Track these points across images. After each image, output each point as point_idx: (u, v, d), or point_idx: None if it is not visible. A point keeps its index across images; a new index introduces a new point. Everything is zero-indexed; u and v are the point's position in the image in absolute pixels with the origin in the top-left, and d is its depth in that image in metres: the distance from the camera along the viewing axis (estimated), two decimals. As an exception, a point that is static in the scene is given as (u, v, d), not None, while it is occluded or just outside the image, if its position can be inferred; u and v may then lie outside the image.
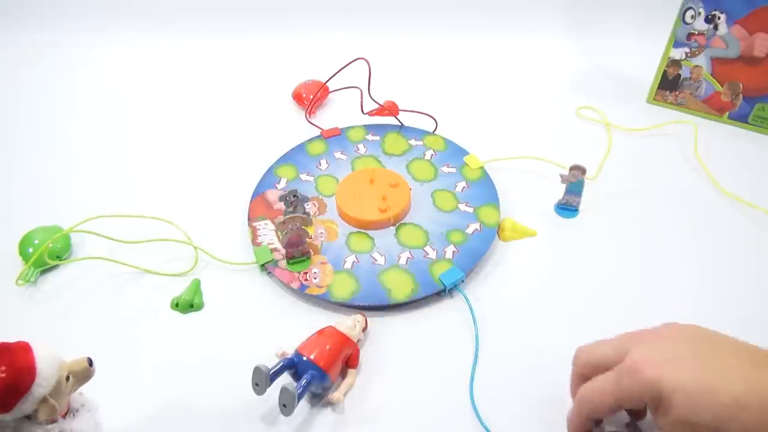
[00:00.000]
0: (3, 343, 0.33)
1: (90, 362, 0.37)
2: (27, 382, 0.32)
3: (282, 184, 0.63)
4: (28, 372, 0.33)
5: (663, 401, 0.31)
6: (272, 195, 0.61)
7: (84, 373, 0.36)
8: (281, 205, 0.57)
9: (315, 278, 0.52)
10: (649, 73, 0.75)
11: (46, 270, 0.55)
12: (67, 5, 0.95)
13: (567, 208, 0.60)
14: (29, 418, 0.34)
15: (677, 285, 0.52)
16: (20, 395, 0.32)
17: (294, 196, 0.52)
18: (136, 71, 0.87)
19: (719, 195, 0.61)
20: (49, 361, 0.34)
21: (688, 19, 0.68)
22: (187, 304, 0.52)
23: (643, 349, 0.33)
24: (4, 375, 0.32)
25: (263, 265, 0.54)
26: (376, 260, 0.54)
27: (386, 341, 0.49)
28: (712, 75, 0.70)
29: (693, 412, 0.30)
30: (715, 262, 0.54)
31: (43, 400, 0.33)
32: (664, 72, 0.73)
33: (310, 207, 0.59)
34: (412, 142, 0.69)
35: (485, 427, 0.42)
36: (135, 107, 0.80)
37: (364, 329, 0.48)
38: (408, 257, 0.54)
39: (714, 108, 0.72)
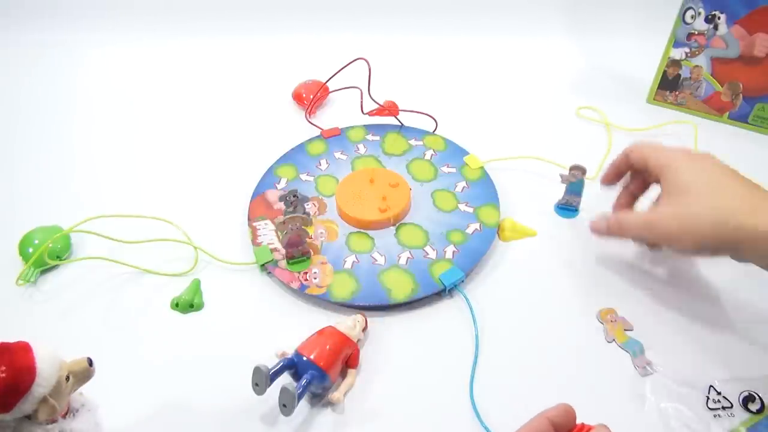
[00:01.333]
0: (3, 343, 0.33)
1: (90, 362, 0.37)
2: (27, 382, 0.32)
3: (282, 184, 0.63)
4: (28, 372, 0.33)
5: (665, 165, 0.41)
6: (272, 195, 0.61)
7: (84, 373, 0.36)
8: (281, 205, 0.57)
9: (315, 278, 0.52)
10: (649, 73, 0.74)
11: (46, 270, 0.55)
12: (67, 5, 0.95)
13: (567, 208, 0.60)
14: (29, 418, 0.34)
15: (677, 282, 0.52)
16: (20, 395, 0.32)
17: (294, 196, 0.52)
18: (137, 71, 0.87)
19: (719, 195, 0.61)
20: (49, 361, 0.34)
21: (688, 19, 0.68)
22: (187, 304, 0.52)
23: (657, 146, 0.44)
24: (4, 375, 0.32)
25: (263, 265, 0.54)
26: (376, 260, 0.54)
27: (386, 341, 0.49)
28: (712, 75, 0.70)
29: (683, 173, 0.40)
30: (714, 260, 0.54)
31: (43, 400, 0.33)
32: (664, 72, 0.73)
33: (310, 207, 0.59)
34: (412, 142, 0.69)
35: (485, 427, 0.42)
36: (135, 107, 0.80)
37: (364, 329, 0.48)
38: (408, 257, 0.54)
39: (714, 108, 0.72)
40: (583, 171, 0.56)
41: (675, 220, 0.40)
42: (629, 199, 0.52)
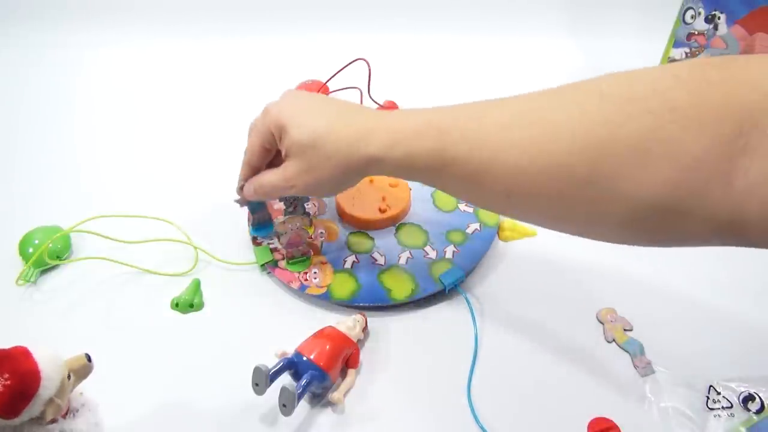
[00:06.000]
0: (1, 351, 0.33)
1: (88, 358, 0.37)
2: (33, 387, 0.33)
3: (282, 184, 0.63)
4: (33, 376, 0.33)
5: (282, 129, 0.42)
6: (272, 195, 0.61)
7: (83, 369, 0.37)
8: (281, 205, 0.57)
9: (315, 278, 0.52)
10: (649, 73, 0.74)
11: (46, 270, 0.55)
12: (67, 5, 0.95)
13: None
14: (32, 418, 0.34)
15: (677, 282, 0.52)
16: (28, 400, 0.32)
17: (294, 196, 0.52)
18: (136, 71, 0.87)
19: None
20: (52, 363, 0.34)
21: (688, 19, 0.68)
22: (187, 304, 0.52)
23: (271, 103, 0.45)
24: (9, 382, 0.32)
25: (263, 265, 0.54)
26: (376, 260, 0.54)
27: (386, 341, 0.49)
28: (712, 75, 0.70)
29: (300, 134, 0.40)
30: (715, 258, 0.54)
31: (50, 401, 0.33)
32: (664, 72, 0.73)
33: (310, 207, 0.59)
34: (412, 142, 0.68)
35: (482, 427, 0.42)
36: (135, 107, 0.80)
37: (364, 329, 0.48)
38: (408, 257, 0.54)
39: (714, 108, 0.72)
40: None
41: (307, 174, 0.42)
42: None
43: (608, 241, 0.35)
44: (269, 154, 0.47)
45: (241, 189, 0.49)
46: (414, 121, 0.39)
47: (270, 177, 0.45)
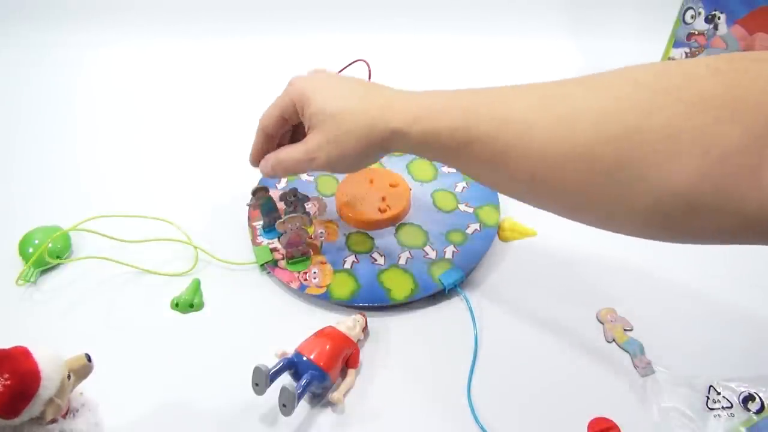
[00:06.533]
0: (1, 351, 0.33)
1: (88, 358, 0.37)
2: (33, 387, 0.33)
3: (282, 184, 0.63)
4: (33, 376, 0.33)
5: (306, 100, 0.42)
6: (273, 195, 0.61)
7: (83, 369, 0.37)
8: (282, 205, 0.57)
9: (315, 278, 0.52)
10: (649, 73, 0.74)
11: (46, 270, 0.55)
12: (67, 5, 0.95)
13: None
14: (32, 418, 0.34)
15: (677, 282, 0.52)
16: (28, 400, 0.32)
17: (294, 196, 0.52)
18: (136, 71, 0.87)
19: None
20: (52, 363, 0.34)
21: (688, 19, 0.68)
22: (187, 304, 0.52)
23: (297, 76, 0.46)
24: (9, 382, 0.32)
25: (263, 265, 0.54)
26: (376, 260, 0.54)
27: (386, 341, 0.49)
28: (712, 75, 0.70)
29: (324, 104, 0.41)
30: (715, 258, 0.54)
31: (50, 401, 0.33)
32: (664, 72, 0.73)
33: (310, 207, 0.59)
34: (412, 142, 0.68)
35: (482, 427, 0.42)
36: (135, 107, 0.80)
37: (364, 329, 0.48)
38: (408, 257, 0.54)
39: (714, 108, 0.72)
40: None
41: (329, 145, 0.41)
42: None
43: (630, 233, 0.34)
44: (286, 124, 0.46)
45: (255, 162, 0.49)
46: (440, 99, 0.38)
47: (290, 151, 0.44)
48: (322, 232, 0.57)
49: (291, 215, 0.52)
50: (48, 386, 0.33)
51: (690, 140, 0.29)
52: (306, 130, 0.44)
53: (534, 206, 0.38)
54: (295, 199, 0.52)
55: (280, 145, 0.47)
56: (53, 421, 0.35)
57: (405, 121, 0.38)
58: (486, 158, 0.36)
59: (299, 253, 0.54)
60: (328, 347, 0.44)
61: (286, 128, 0.47)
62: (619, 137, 0.31)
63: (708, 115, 0.28)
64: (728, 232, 0.31)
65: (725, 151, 0.28)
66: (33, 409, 0.33)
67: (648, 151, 0.30)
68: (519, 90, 0.36)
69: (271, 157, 0.46)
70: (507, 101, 0.36)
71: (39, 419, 0.34)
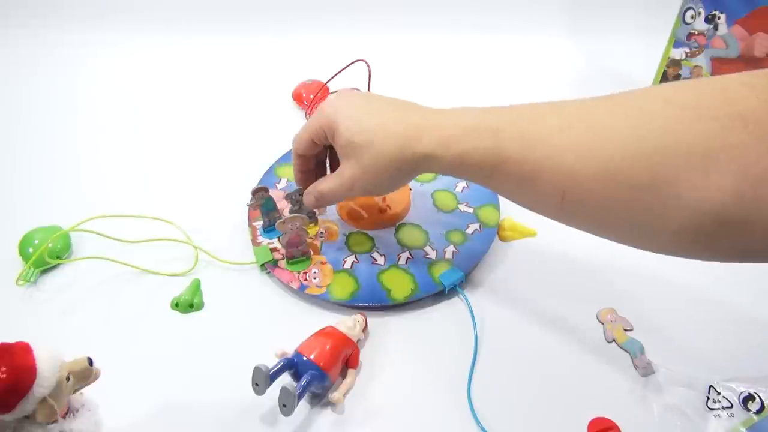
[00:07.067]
0: (3, 344, 0.33)
1: (90, 362, 0.37)
2: (27, 383, 0.32)
3: (282, 184, 0.63)
4: (29, 373, 0.33)
5: (335, 128, 0.42)
6: (273, 195, 0.61)
7: (84, 372, 0.36)
8: (283, 205, 0.57)
9: (315, 278, 0.52)
10: (649, 74, 0.74)
11: (46, 270, 0.55)
12: (67, 5, 0.95)
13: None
14: (29, 417, 0.34)
15: (677, 282, 0.52)
16: (20, 396, 0.32)
17: (299, 195, 0.52)
18: (136, 71, 0.87)
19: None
20: (49, 362, 0.34)
21: (688, 19, 0.68)
22: (187, 304, 0.52)
23: (327, 100, 0.45)
24: (4, 376, 0.32)
25: (263, 265, 0.54)
26: (376, 260, 0.54)
27: (386, 341, 0.49)
28: (712, 75, 0.70)
29: (352, 134, 0.41)
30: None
31: (43, 401, 0.33)
32: (664, 72, 0.73)
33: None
34: (412, 142, 0.68)
35: (482, 427, 0.42)
36: (135, 107, 0.79)
37: (364, 329, 0.48)
38: (408, 257, 0.54)
39: (714, 108, 0.72)
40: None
41: (363, 175, 0.42)
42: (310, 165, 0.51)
43: (663, 251, 0.34)
44: (316, 147, 0.47)
45: (300, 185, 0.50)
46: (469, 119, 0.38)
47: (328, 184, 0.45)
48: (322, 232, 0.57)
49: (291, 215, 0.52)
50: (43, 385, 0.33)
51: (727, 159, 0.28)
52: (339, 157, 0.44)
53: (566, 225, 0.38)
54: (300, 198, 0.52)
55: (318, 161, 0.50)
56: (53, 421, 0.35)
57: (435, 144, 0.38)
58: (516, 178, 0.36)
59: (299, 253, 0.54)
60: (328, 347, 0.44)
61: (319, 149, 0.47)
62: (651, 155, 0.30)
63: (746, 132, 0.28)
64: (757, 251, 0.30)
65: (764, 169, 0.27)
66: (26, 406, 0.33)
67: (682, 169, 0.29)
68: (547, 107, 0.37)
69: (312, 191, 0.47)
70: (535, 120, 0.36)
71: (33, 419, 0.34)
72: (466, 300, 0.51)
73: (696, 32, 0.68)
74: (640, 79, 0.76)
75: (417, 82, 0.82)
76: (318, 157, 0.50)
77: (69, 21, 0.95)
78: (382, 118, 0.41)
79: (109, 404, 0.40)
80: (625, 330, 0.49)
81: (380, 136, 0.40)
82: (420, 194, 0.61)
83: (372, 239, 0.56)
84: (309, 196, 0.48)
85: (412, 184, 0.62)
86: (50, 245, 0.54)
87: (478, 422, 0.43)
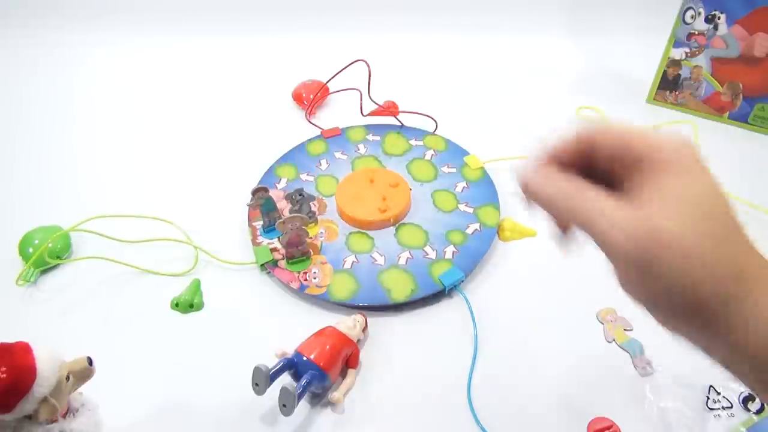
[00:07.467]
0: (3, 344, 0.33)
1: (90, 361, 0.37)
2: (27, 383, 0.32)
3: (282, 184, 0.63)
4: (29, 372, 0.33)
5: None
6: (273, 195, 0.61)
7: (84, 372, 0.36)
8: (283, 204, 0.57)
9: (315, 278, 0.52)
10: (649, 73, 0.74)
11: (46, 270, 0.55)
12: (67, 5, 0.95)
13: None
14: (29, 417, 0.34)
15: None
16: (20, 396, 0.32)
17: (300, 195, 0.52)
18: (137, 71, 0.87)
19: (719, 195, 0.61)
20: (49, 362, 0.34)
21: (688, 19, 0.68)
22: (187, 304, 0.52)
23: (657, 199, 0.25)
24: (4, 376, 0.32)
25: (263, 264, 0.54)
26: (376, 260, 0.54)
27: (386, 341, 0.49)
28: (712, 75, 0.70)
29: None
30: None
31: (44, 400, 0.33)
32: (664, 72, 0.73)
33: (315, 206, 0.59)
34: (412, 142, 0.69)
35: (482, 427, 0.42)
36: (135, 107, 0.80)
37: (364, 329, 0.48)
38: (408, 257, 0.54)
39: (714, 108, 0.72)
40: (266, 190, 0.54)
41: (631, 228, 0.25)
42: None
43: None
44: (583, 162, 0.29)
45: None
46: None
47: (600, 206, 0.26)
48: (322, 232, 0.57)
49: (291, 215, 0.52)
50: (43, 384, 0.33)
51: None
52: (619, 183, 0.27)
53: None
54: (301, 198, 0.52)
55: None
56: (53, 420, 0.35)
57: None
58: None
59: (299, 253, 0.54)
60: (328, 347, 0.44)
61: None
62: None
63: None
64: None
65: None
66: (26, 406, 0.33)
67: None
68: None
69: (567, 196, 0.28)
70: None
71: (34, 418, 0.34)
72: (466, 300, 0.51)
73: (696, 32, 0.68)
74: (640, 79, 0.77)
75: (417, 82, 0.82)
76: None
77: (69, 21, 0.95)
78: (705, 196, 0.25)
79: (109, 404, 0.40)
80: (625, 330, 0.49)
81: (695, 212, 0.25)
82: (420, 194, 0.61)
83: (372, 239, 0.56)
84: (539, 179, 0.29)
85: (412, 184, 0.62)
86: (50, 245, 0.54)
87: (478, 422, 0.43)
